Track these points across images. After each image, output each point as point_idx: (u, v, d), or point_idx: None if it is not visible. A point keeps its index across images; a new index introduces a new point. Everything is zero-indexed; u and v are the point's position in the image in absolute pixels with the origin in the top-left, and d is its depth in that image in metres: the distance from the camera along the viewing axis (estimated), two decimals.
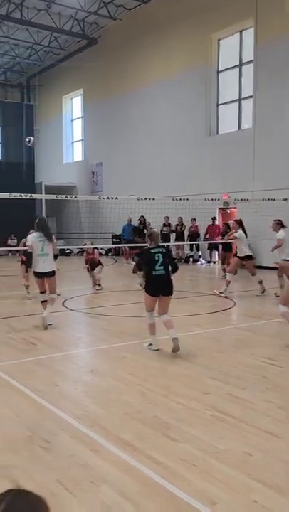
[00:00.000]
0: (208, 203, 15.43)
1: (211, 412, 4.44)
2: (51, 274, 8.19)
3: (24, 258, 11.03)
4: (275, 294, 10.39)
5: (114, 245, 22.59)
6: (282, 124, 16.23)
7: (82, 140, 28.21)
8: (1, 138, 29.29)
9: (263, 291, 11.13)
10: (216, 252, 18.76)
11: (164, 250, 6.59)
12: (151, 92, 21.74)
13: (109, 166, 25.05)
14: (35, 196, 15.44)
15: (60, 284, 10.10)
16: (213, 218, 18.57)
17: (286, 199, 14.68)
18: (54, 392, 5.03)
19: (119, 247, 22.23)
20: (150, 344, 6.68)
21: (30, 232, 8.91)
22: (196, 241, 19.17)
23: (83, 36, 24.34)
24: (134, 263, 13.03)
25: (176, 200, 14.21)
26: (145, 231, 20.76)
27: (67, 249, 23.15)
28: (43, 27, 23.01)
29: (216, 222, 18.65)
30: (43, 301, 8.33)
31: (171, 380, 5.41)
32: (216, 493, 3.12)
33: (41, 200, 19.64)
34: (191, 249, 20.13)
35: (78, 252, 22.65)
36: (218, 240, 15.88)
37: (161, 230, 20.14)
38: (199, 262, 19.56)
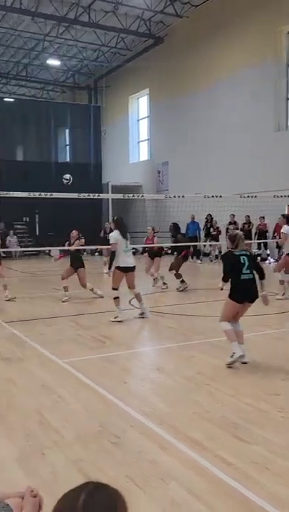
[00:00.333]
0: (277, 200, 15.05)
1: (283, 414, 4.32)
2: (133, 269, 8.65)
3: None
4: None
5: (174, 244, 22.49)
6: None
7: (148, 139, 28.37)
8: (69, 140, 30.09)
9: None
10: None
11: (248, 253, 6.12)
12: (217, 89, 21.50)
13: (174, 164, 25.03)
14: (102, 196, 15.70)
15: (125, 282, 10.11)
16: (284, 215, 18.04)
17: None
18: (122, 389, 5.08)
19: (187, 245, 22.08)
20: (233, 354, 5.78)
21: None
22: (264, 239, 18.77)
23: (149, 36, 24.48)
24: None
25: (244, 197, 13.95)
26: (211, 230, 20.63)
27: (133, 248, 23.28)
28: (110, 28, 23.38)
29: None
30: (116, 298, 8.54)
31: (239, 381, 5.31)
32: None
33: (108, 200, 19.93)
34: (259, 247, 19.73)
35: (143, 252, 22.81)
36: None
37: (227, 229, 19.89)
38: (267, 261, 19.12)
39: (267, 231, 18.83)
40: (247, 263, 5.94)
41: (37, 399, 4.80)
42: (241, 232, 6.53)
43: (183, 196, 13.82)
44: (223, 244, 19.93)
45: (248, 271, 5.93)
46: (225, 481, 3.22)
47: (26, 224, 26.90)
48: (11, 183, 19.88)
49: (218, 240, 20.10)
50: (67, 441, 3.86)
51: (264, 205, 16.14)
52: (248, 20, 19.56)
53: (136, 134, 29.79)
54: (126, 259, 8.50)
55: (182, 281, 12.10)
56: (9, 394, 5.00)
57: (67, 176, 14.75)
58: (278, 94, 19.07)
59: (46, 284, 13.74)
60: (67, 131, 30.01)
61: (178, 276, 12.09)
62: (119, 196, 13.76)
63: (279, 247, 18.81)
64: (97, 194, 12.67)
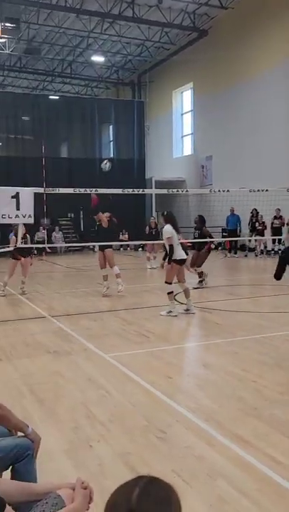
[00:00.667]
0: None
1: None
2: (186, 261, 8.99)
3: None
4: None
5: (223, 239, 22.30)
6: None
7: (191, 134, 28.18)
8: (112, 136, 30.27)
9: None
10: None
11: None
12: (262, 81, 21.09)
13: (218, 158, 24.75)
14: (147, 191, 15.72)
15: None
16: None
17: None
18: (167, 384, 5.07)
19: (230, 240, 21.86)
20: None
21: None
22: None
23: (194, 29, 24.26)
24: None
25: None
26: (257, 224, 20.28)
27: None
28: (154, 23, 23.34)
29: None
30: (170, 293, 8.55)
31: (287, 378, 5.21)
32: None
33: (151, 195, 19.93)
34: None
35: (188, 246, 22.72)
36: None
37: (272, 223, 19.54)
38: None
39: None
40: None
41: (83, 392, 4.86)
42: None
43: (228, 191, 13.65)
44: (269, 239, 19.64)
45: None
46: (274, 479, 3.17)
47: (71, 220, 27.32)
48: (56, 180, 20.19)
49: (263, 235, 19.77)
50: (113, 435, 3.89)
51: None
52: None
53: (179, 128, 29.63)
54: (180, 252, 8.63)
55: (201, 282, 11.67)
56: (57, 386, 5.09)
57: (106, 162, 14.02)
58: None
59: (90, 279, 13.90)
60: (111, 127, 30.20)
61: (201, 274, 11.67)
62: (164, 191, 13.74)
63: None
64: (141, 189, 12.68)
